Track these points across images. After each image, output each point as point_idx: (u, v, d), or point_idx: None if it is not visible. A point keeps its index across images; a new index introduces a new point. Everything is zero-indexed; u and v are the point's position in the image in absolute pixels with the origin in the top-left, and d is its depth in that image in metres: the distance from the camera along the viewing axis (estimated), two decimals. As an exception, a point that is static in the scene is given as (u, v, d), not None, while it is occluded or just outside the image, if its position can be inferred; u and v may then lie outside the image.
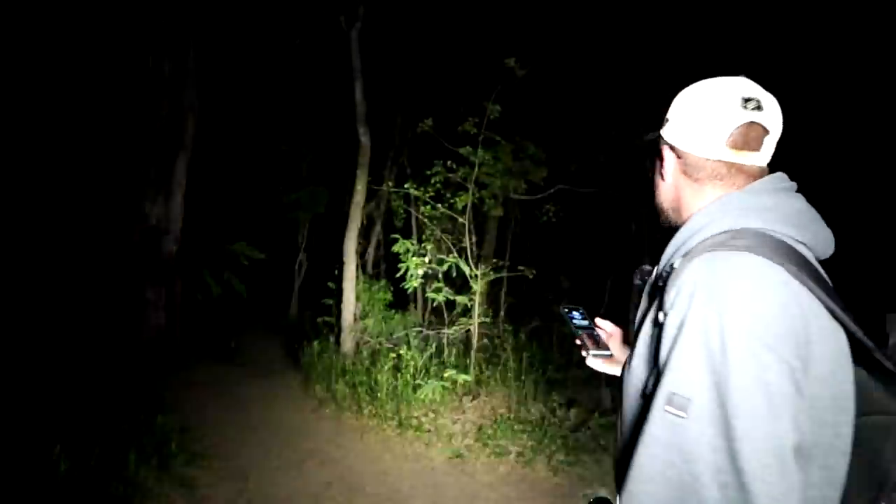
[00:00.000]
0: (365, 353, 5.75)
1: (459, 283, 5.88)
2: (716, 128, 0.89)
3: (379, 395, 5.03)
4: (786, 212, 0.85)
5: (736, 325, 0.71)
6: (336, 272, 6.06)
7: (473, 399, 5.10)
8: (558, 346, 6.78)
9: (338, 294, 6.10)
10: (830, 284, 0.83)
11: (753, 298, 0.73)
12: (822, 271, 0.84)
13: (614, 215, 7.09)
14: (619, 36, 5.82)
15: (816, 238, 0.86)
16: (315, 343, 5.85)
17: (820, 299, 0.77)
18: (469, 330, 5.71)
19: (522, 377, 5.56)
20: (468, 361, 5.43)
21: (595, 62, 6.05)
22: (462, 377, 5.04)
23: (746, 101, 0.87)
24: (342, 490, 3.64)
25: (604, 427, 4.54)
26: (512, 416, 4.79)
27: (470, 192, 5.63)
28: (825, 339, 0.75)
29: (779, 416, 0.69)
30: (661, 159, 0.98)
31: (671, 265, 0.87)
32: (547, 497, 3.68)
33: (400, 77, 7.14)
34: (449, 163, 5.71)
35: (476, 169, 5.56)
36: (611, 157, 6.01)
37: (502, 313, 7.05)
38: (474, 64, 5.97)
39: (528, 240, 7.83)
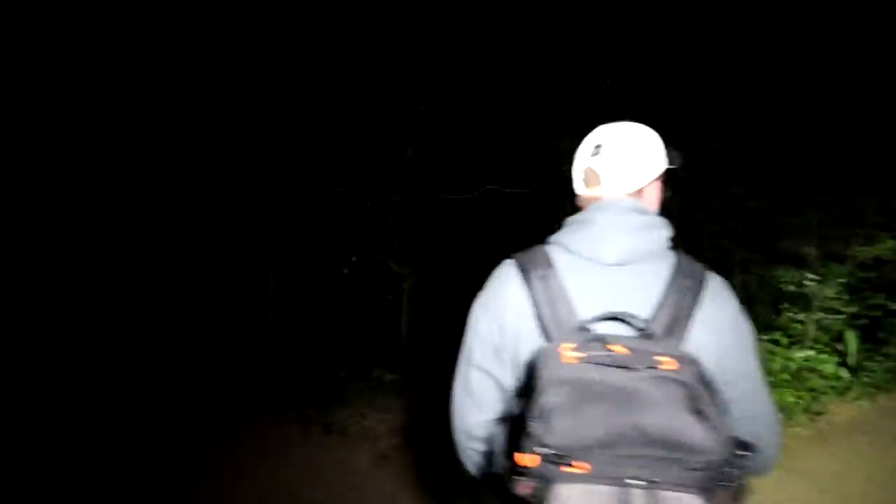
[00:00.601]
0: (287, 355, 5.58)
1: (388, 282, 5.83)
2: (575, 171, 1.24)
3: (303, 398, 4.90)
4: (571, 228, 1.14)
5: (478, 297, 1.18)
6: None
7: (402, 399, 5.07)
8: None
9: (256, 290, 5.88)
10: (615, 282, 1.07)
11: (487, 284, 1.18)
12: (589, 271, 1.08)
13: (541, 217, 7.26)
14: (551, 38, 5.95)
15: (589, 247, 1.09)
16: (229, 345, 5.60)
17: (530, 293, 1.07)
18: (399, 329, 5.68)
19: (451, 374, 5.59)
20: (397, 361, 5.40)
21: (526, 64, 6.17)
22: (389, 376, 5.00)
23: (595, 147, 1.18)
24: (264, 502, 3.50)
25: (529, 421, 4.64)
26: (440, 413, 4.80)
27: (399, 189, 5.59)
28: (518, 318, 1.09)
29: (472, 343, 1.17)
30: None
31: None
32: (469, 494, 3.71)
33: (324, 64, 6.95)
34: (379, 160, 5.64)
35: (405, 167, 5.53)
36: (538, 160, 6.14)
37: (431, 313, 7.06)
38: (401, 62, 5.92)
39: (458, 239, 7.88)
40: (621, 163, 1.14)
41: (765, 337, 5.93)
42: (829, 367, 5.37)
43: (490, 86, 6.20)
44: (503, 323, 1.10)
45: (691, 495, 0.78)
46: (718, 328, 1.03)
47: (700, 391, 0.82)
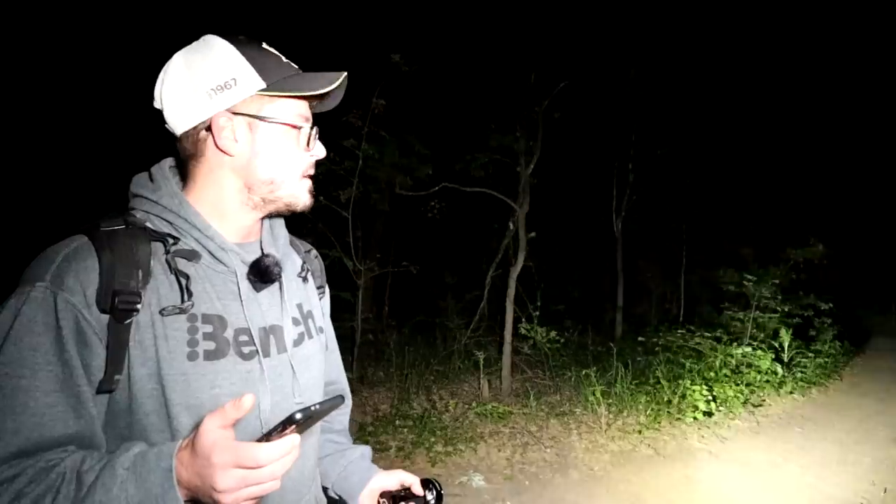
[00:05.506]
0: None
1: (342, 279, 5.74)
2: None
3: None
4: None
5: None
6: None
7: (356, 397, 5.01)
8: (441, 339, 6.89)
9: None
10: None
11: None
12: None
13: (494, 214, 7.33)
14: (502, 41, 5.99)
15: None
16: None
17: None
18: (352, 326, 5.60)
19: (405, 372, 5.57)
20: (351, 359, 5.32)
21: (478, 66, 6.19)
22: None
23: None
24: None
25: (480, 415, 4.67)
26: (394, 411, 4.77)
27: (354, 185, 5.50)
28: None
29: None
30: None
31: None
32: (425, 490, 3.70)
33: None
34: (332, 154, 5.53)
35: (360, 162, 5.45)
36: (492, 158, 6.19)
37: (387, 309, 7.02)
38: (359, 57, 5.84)
39: (413, 236, 7.85)
40: None
41: (707, 334, 6.19)
42: (766, 362, 5.64)
43: (449, 85, 6.20)
44: None
45: None
46: None
47: None
